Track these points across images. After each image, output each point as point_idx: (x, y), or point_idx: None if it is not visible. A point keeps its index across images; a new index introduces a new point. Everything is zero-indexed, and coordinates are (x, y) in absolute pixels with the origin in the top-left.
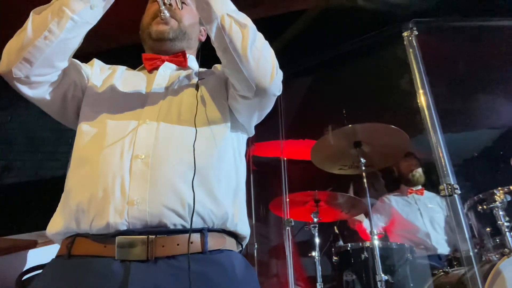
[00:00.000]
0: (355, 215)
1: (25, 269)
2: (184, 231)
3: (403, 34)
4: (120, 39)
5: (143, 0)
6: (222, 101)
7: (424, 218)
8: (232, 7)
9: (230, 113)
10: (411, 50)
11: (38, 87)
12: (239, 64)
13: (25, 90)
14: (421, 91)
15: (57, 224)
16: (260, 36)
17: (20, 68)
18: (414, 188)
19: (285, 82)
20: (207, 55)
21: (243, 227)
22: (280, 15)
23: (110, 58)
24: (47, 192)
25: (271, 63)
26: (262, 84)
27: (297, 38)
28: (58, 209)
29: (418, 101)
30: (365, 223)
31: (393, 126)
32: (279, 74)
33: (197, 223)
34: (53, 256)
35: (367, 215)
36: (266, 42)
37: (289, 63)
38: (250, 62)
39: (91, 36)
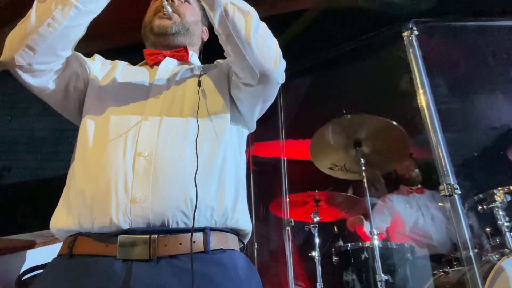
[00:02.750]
0: (356, 215)
1: (24, 269)
2: (186, 230)
3: (403, 34)
4: (120, 39)
5: (144, 0)
6: (224, 95)
7: (425, 217)
8: None
9: (232, 107)
10: (411, 50)
11: (41, 75)
12: (242, 51)
13: (27, 78)
14: (421, 91)
15: (61, 220)
16: (263, 24)
17: (22, 56)
18: (413, 188)
19: (285, 82)
20: (209, 55)
21: (245, 223)
22: (280, 15)
23: (110, 58)
24: (47, 193)
25: (274, 50)
26: (265, 70)
27: (297, 38)
28: (60, 203)
29: (418, 101)
30: (366, 227)
31: (394, 122)
32: (283, 63)
33: (200, 222)
34: (53, 257)
35: (367, 217)
36: (269, 31)
37: (289, 63)
38: (253, 48)
39: (91, 36)
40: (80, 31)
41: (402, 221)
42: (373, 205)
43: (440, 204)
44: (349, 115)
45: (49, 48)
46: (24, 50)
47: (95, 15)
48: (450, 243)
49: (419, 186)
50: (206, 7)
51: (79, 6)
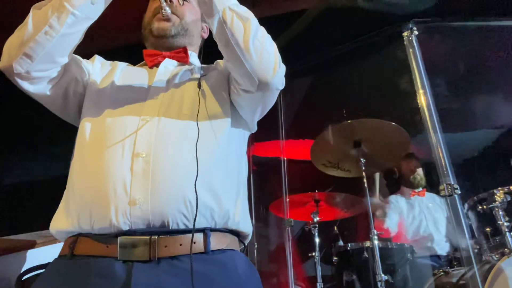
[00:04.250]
0: (355, 214)
1: (24, 269)
2: (187, 231)
3: (403, 34)
4: (120, 39)
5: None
6: (223, 97)
7: (427, 219)
8: (234, 0)
9: (232, 108)
10: (411, 50)
11: (39, 82)
12: (241, 58)
13: (26, 85)
14: (421, 91)
15: (60, 222)
16: (262, 29)
17: (20, 64)
18: (416, 190)
19: (285, 81)
20: (210, 52)
21: (245, 225)
22: (280, 15)
23: (110, 58)
24: (47, 192)
25: (274, 57)
26: (265, 77)
27: (297, 38)
28: (61, 206)
29: (418, 101)
30: (386, 224)
31: (393, 123)
32: (282, 68)
33: (200, 223)
34: (53, 257)
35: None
36: (269, 36)
37: (289, 63)
38: (252, 55)
39: (91, 35)
40: (77, 37)
41: (404, 223)
42: (373, 205)
43: (430, 204)
44: (349, 120)
45: (47, 56)
46: (22, 58)
47: (92, 21)
48: (450, 244)
49: (421, 189)
50: (204, 14)
51: (76, 13)
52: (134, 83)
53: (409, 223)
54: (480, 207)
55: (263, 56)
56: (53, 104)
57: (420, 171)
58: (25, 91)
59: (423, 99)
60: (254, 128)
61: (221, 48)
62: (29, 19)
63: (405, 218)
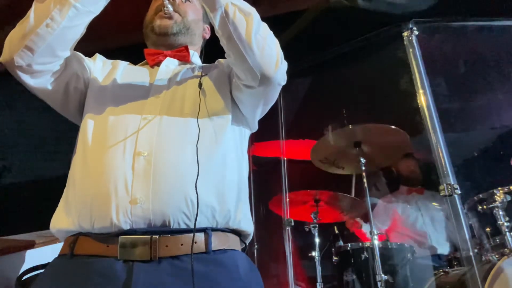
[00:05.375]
0: (355, 216)
1: (24, 269)
2: (188, 230)
3: (403, 34)
4: (120, 39)
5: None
6: (225, 93)
7: (424, 217)
8: None
9: (233, 105)
10: (411, 50)
11: (40, 76)
12: (243, 52)
13: (27, 79)
14: (421, 91)
15: (61, 221)
16: (264, 25)
17: (22, 56)
18: (414, 188)
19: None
20: (211, 53)
21: (246, 224)
22: (280, 15)
23: (111, 57)
24: (47, 192)
25: (276, 52)
26: (267, 72)
27: (297, 38)
28: (60, 204)
29: (418, 101)
30: (364, 228)
31: (393, 127)
32: (284, 64)
33: (201, 222)
34: (53, 256)
35: (366, 219)
36: (271, 32)
37: (289, 63)
38: (254, 50)
39: (91, 35)
40: (79, 31)
41: (401, 221)
42: (374, 205)
43: (435, 204)
44: (350, 125)
45: (48, 49)
46: (23, 50)
47: (94, 15)
48: (450, 244)
49: (419, 186)
50: (206, 8)
51: (78, 6)
52: (136, 82)
53: (404, 219)
54: (480, 207)
55: (265, 50)
56: (53, 99)
57: (417, 169)
58: (26, 85)
59: (423, 99)
60: (255, 127)
61: (223, 43)
62: (31, 12)
63: (400, 215)
